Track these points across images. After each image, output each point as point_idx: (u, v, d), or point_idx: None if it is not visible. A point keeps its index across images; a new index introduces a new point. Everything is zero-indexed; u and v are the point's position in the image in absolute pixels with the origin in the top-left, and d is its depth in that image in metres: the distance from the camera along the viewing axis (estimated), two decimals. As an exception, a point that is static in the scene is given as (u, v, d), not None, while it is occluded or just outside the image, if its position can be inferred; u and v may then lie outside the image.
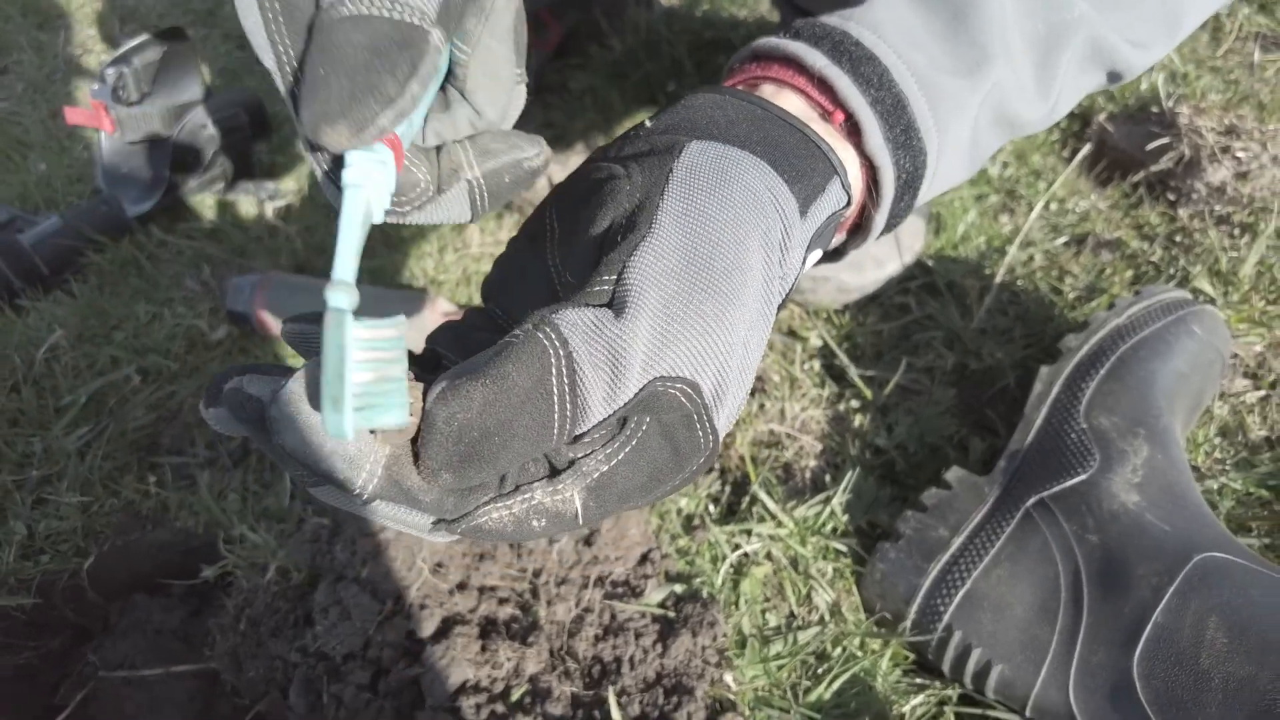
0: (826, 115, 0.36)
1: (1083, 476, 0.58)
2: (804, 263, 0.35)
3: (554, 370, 0.24)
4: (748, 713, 0.55)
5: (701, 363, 0.26)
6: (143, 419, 0.77)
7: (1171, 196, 0.88)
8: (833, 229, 0.37)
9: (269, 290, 0.81)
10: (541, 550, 0.62)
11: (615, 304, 0.26)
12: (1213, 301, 0.77)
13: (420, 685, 0.55)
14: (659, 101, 1.07)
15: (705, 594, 0.60)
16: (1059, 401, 0.63)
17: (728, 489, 0.69)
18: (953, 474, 0.63)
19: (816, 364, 0.78)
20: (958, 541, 0.59)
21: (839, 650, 0.59)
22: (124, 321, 0.85)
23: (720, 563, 0.63)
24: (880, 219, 0.39)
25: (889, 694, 0.57)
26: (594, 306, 0.26)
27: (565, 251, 0.32)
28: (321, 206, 1.00)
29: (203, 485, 0.70)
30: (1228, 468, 0.66)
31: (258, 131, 1.06)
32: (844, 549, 0.64)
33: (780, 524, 0.64)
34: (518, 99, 0.33)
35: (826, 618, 0.61)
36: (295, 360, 0.82)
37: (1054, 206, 0.90)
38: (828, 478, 0.69)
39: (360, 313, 0.24)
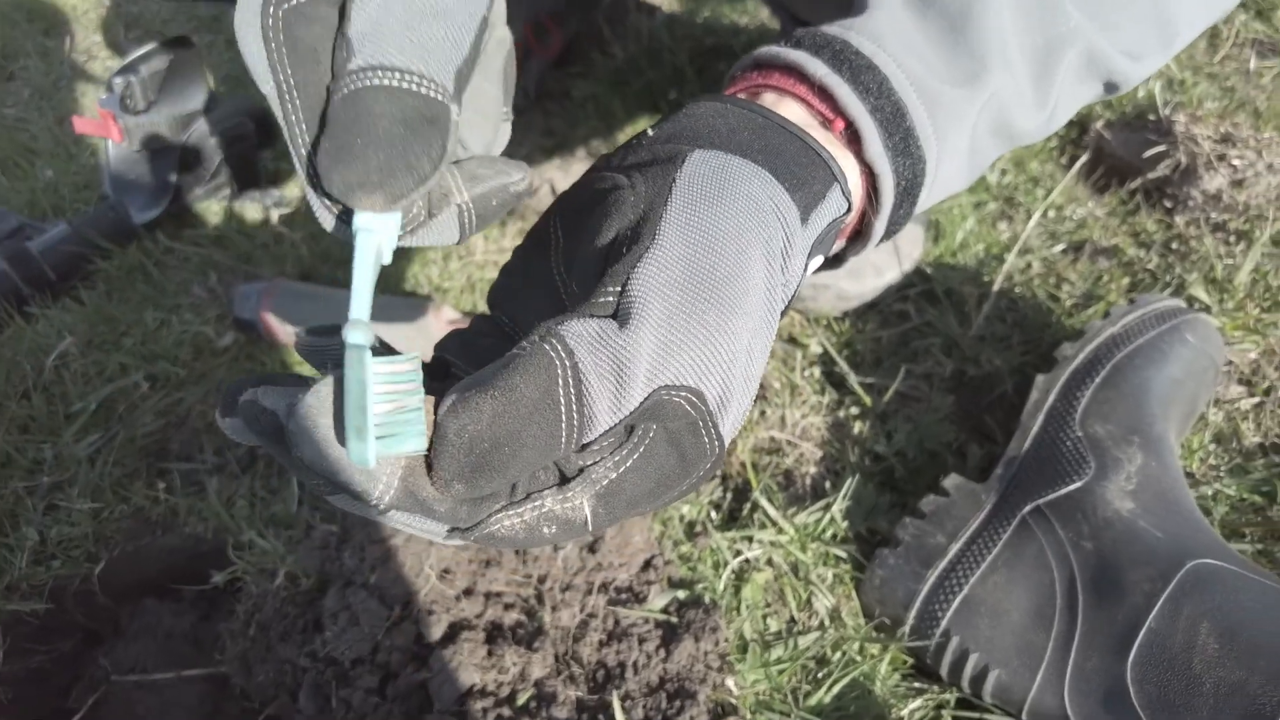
0: (827, 123, 0.37)
1: (1078, 484, 0.59)
2: (805, 269, 0.35)
3: (560, 381, 0.25)
4: (749, 716, 0.56)
5: (705, 371, 0.27)
6: (151, 425, 0.78)
7: (1168, 203, 0.89)
8: (833, 235, 0.37)
9: (275, 297, 0.82)
10: (546, 556, 0.63)
11: (620, 315, 0.27)
12: (1208, 309, 0.78)
13: (428, 689, 0.56)
14: (661, 109, 1.08)
15: (707, 599, 0.61)
16: (1055, 409, 0.64)
17: (729, 496, 0.70)
18: (950, 481, 0.64)
19: (816, 371, 0.79)
20: (955, 548, 0.60)
21: (839, 655, 0.60)
22: (132, 328, 0.86)
23: (722, 569, 0.64)
24: (880, 226, 0.40)
25: (888, 698, 0.58)
26: (599, 318, 0.27)
27: (569, 260, 0.33)
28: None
29: (211, 491, 0.71)
30: (1222, 474, 0.67)
31: (264, 139, 1.07)
32: (844, 555, 0.65)
33: (781, 530, 0.65)
34: (503, 135, 0.35)
35: (826, 623, 0.62)
36: (301, 366, 0.83)
37: (1052, 214, 0.91)
38: (828, 484, 0.70)
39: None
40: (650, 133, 0.35)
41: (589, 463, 0.27)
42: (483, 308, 0.88)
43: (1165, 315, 0.67)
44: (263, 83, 0.27)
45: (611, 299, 0.27)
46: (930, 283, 0.84)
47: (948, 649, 0.57)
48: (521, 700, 0.55)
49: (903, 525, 0.62)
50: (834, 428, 0.74)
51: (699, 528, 0.67)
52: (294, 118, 0.27)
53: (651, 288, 0.27)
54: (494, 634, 0.59)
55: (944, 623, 0.57)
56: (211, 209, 1.03)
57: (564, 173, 0.99)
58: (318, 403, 0.25)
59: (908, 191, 0.39)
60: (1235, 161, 0.87)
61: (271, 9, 0.26)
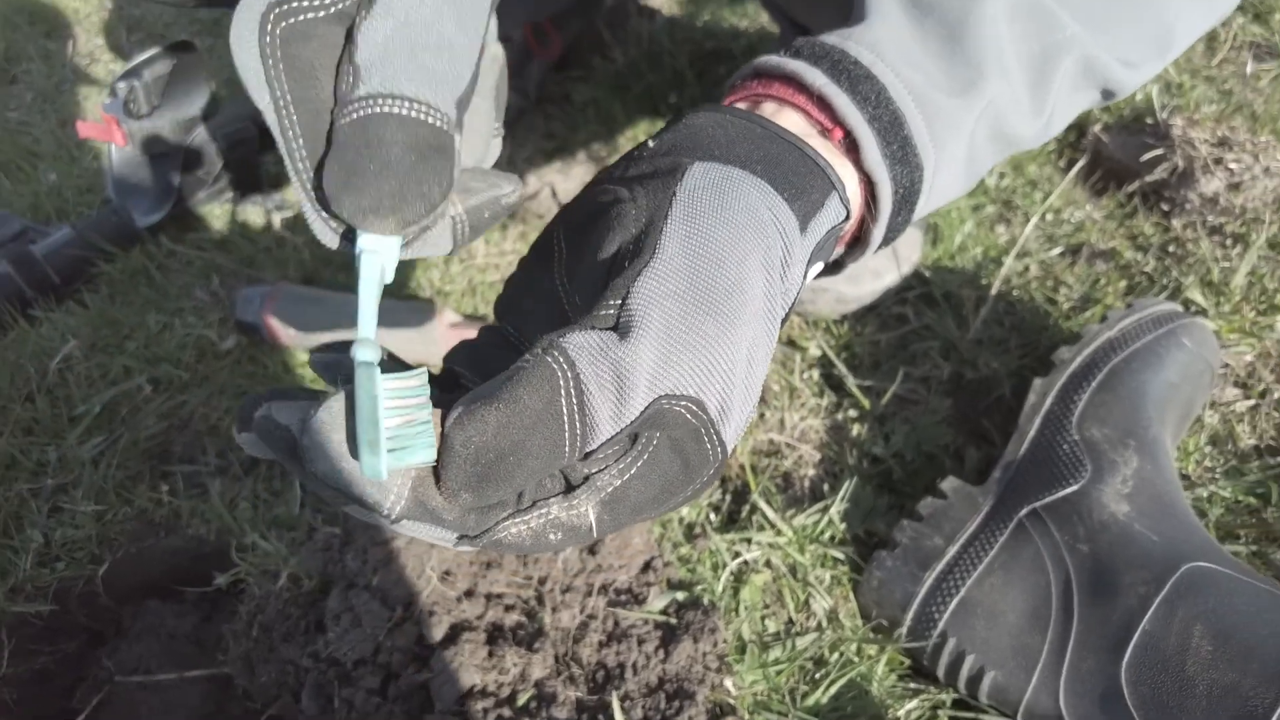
0: (826, 132, 0.37)
1: (1074, 487, 0.59)
2: (805, 276, 0.36)
3: (563, 392, 0.26)
4: (747, 717, 0.57)
5: (705, 380, 0.28)
6: (155, 428, 0.78)
7: (1165, 207, 0.89)
8: (832, 242, 0.38)
9: (278, 301, 0.82)
10: (547, 559, 0.64)
11: (621, 327, 0.27)
12: (1204, 313, 0.78)
13: (429, 690, 0.57)
14: (661, 112, 1.09)
15: (706, 601, 0.62)
16: (1052, 413, 0.64)
17: (728, 498, 0.71)
18: (948, 484, 0.64)
19: (815, 374, 0.79)
20: (952, 550, 0.60)
21: (836, 656, 0.60)
22: (135, 331, 0.87)
23: (721, 570, 0.64)
24: (878, 232, 0.40)
25: (885, 699, 0.58)
26: (600, 330, 0.27)
27: (572, 273, 0.33)
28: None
29: (214, 493, 0.71)
30: (1217, 476, 0.68)
31: (266, 144, 1.07)
32: (842, 557, 0.65)
33: (779, 532, 0.66)
34: (494, 150, 0.36)
35: (824, 624, 0.62)
36: (305, 369, 0.84)
37: (1049, 217, 0.92)
38: (826, 486, 0.70)
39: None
40: (651, 144, 0.35)
41: (594, 470, 0.28)
42: (484, 310, 0.89)
43: (1162, 319, 0.67)
44: (258, 97, 0.28)
45: (613, 311, 0.28)
46: (928, 286, 0.84)
47: (944, 650, 0.57)
48: (522, 701, 0.56)
49: (900, 527, 0.63)
50: (832, 430, 0.75)
51: (698, 530, 0.68)
52: (291, 133, 0.28)
53: (651, 300, 0.28)
54: (495, 635, 0.60)
55: (941, 624, 0.58)
56: (214, 213, 1.04)
57: (564, 176, 0.99)
58: (330, 418, 0.26)
59: (906, 199, 0.39)
60: (1232, 165, 0.87)
61: (269, 25, 0.27)
